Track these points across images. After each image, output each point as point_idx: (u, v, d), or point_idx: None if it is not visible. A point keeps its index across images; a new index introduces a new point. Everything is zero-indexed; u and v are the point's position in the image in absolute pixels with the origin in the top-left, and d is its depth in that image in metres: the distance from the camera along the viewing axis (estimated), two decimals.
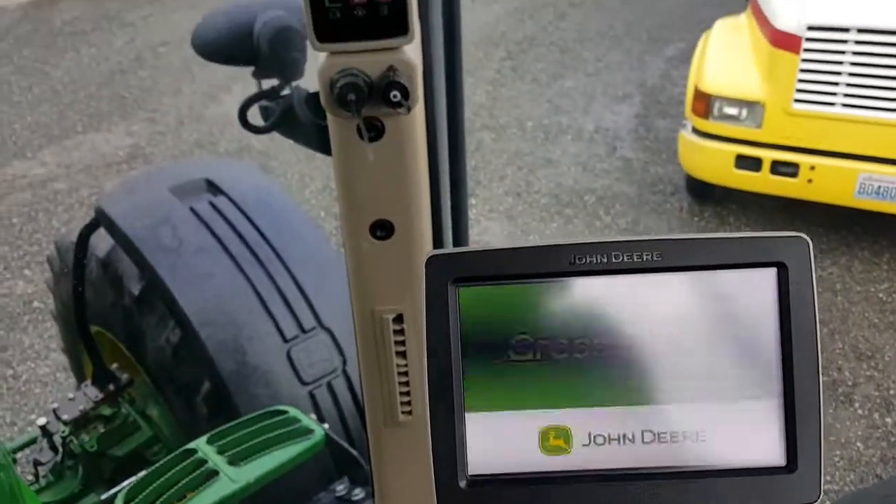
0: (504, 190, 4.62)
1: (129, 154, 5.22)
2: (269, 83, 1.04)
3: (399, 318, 0.77)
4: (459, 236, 0.93)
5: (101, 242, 1.99)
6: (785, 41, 3.51)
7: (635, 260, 0.49)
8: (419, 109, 0.72)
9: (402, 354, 0.79)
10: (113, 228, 1.86)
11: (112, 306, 1.99)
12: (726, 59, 3.90)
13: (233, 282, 1.78)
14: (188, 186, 2.00)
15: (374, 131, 0.68)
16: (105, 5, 8.80)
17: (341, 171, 0.71)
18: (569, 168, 4.82)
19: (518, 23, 7.64)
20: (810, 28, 3.43)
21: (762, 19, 3.77)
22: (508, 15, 7.87)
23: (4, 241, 4.25)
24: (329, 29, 0.62)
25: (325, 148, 0.80)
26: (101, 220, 1.90)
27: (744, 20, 4.16)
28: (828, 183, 3.56)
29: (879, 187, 3.44)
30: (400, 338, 0.78)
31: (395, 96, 0.63)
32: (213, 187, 2.02)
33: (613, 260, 0.49)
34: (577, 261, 0.49)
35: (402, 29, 0.62)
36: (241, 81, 6.35)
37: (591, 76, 6.27)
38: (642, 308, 0.49)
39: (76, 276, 1.97)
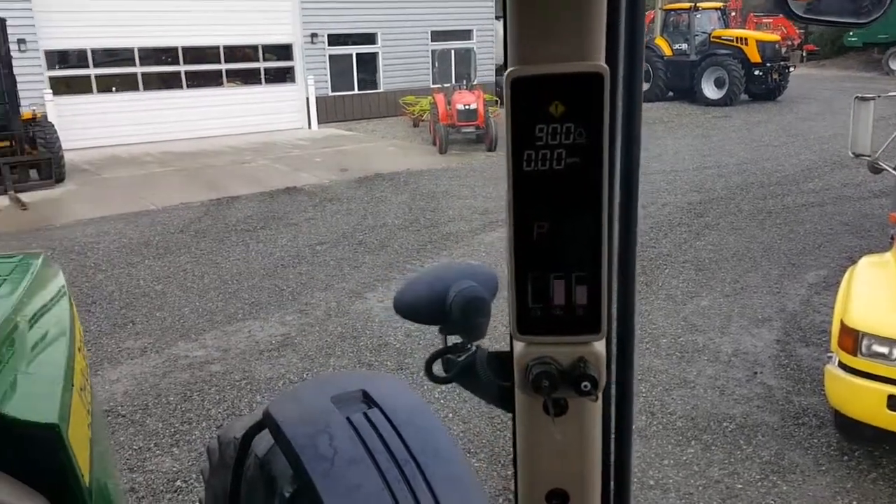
0: (637, 408, 4.52)
1: (281, 342, 5.61)
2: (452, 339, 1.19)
3: None
4: None
5: (262, 441, 2.14)
6: None
7: None
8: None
9: None
10: (277, 432, 2.02)
11: None
12: (874, 296, 3.78)
13: (379, 496, 1.86)
14: (346, 397, 2.16)
15: (558, 408, 0.75)
16: (275, 207, 9.92)
17: (524, 441, 0.78)
18: (705, 391, 4.68)
19: (653, 241, 7.84)
20: None
21: None
22: (643, 233, 8.09)
23: (159, 418, 4.58)
24: (530, 324, 0.71)
25: (503, 404, 0.87)
26: (267, 422, 2.07)
27: (890, 258, 4.08)
28: None
29: None
30: None
31: (585, 386, 0.70)
32: (368, 399, 2.17)
33: None
34: None
35: (595, 328, 0.71)
36: (384, 283, 6.82)
37: (728, 297, 6.23)
38: None
39: (236, 472, 2.12)
